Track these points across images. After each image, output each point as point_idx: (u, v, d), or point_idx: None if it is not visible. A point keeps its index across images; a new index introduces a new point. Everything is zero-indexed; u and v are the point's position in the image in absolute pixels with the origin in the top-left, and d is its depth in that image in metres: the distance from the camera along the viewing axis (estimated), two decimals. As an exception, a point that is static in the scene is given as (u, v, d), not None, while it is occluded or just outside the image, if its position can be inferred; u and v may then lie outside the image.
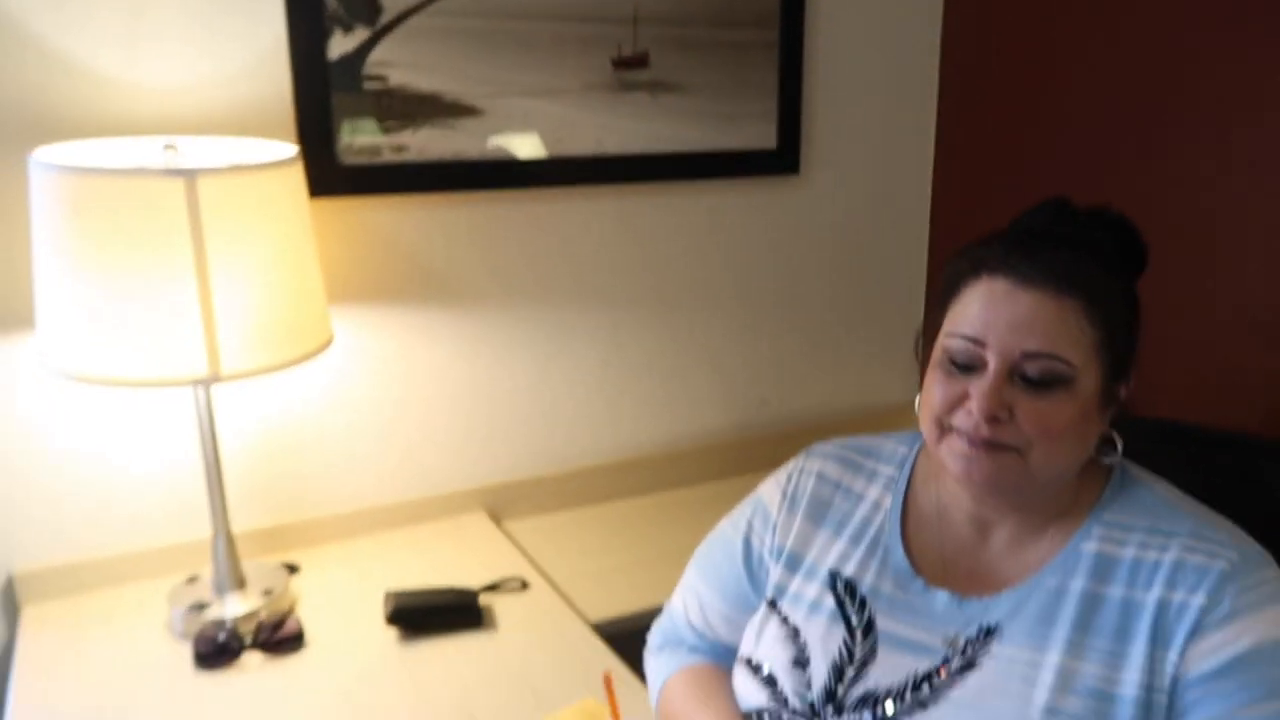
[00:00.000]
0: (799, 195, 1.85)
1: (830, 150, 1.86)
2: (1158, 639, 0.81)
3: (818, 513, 1.02)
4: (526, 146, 1.56)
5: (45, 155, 1.11)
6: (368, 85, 1.42)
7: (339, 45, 1.39)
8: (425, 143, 1.48)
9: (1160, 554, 0.84)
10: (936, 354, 0.91)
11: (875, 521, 0.99)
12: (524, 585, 1.40)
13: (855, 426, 1.19)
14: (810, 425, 1.96)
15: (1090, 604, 0.84)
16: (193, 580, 1.36)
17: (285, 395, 1.49)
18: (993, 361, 0.84)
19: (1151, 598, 0.82)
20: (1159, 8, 1.52)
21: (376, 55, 1.41)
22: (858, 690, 0.90)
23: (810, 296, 1.92)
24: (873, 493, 1.01)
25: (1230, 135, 1.46)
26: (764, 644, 0.98)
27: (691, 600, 1.10)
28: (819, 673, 0.92)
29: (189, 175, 1.04)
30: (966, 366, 0.86)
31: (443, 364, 1.60)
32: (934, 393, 0.89)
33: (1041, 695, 0.82)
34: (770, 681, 0.95)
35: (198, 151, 1.26)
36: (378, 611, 1.33)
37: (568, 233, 1.65)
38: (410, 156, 1.47)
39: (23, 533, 1.36)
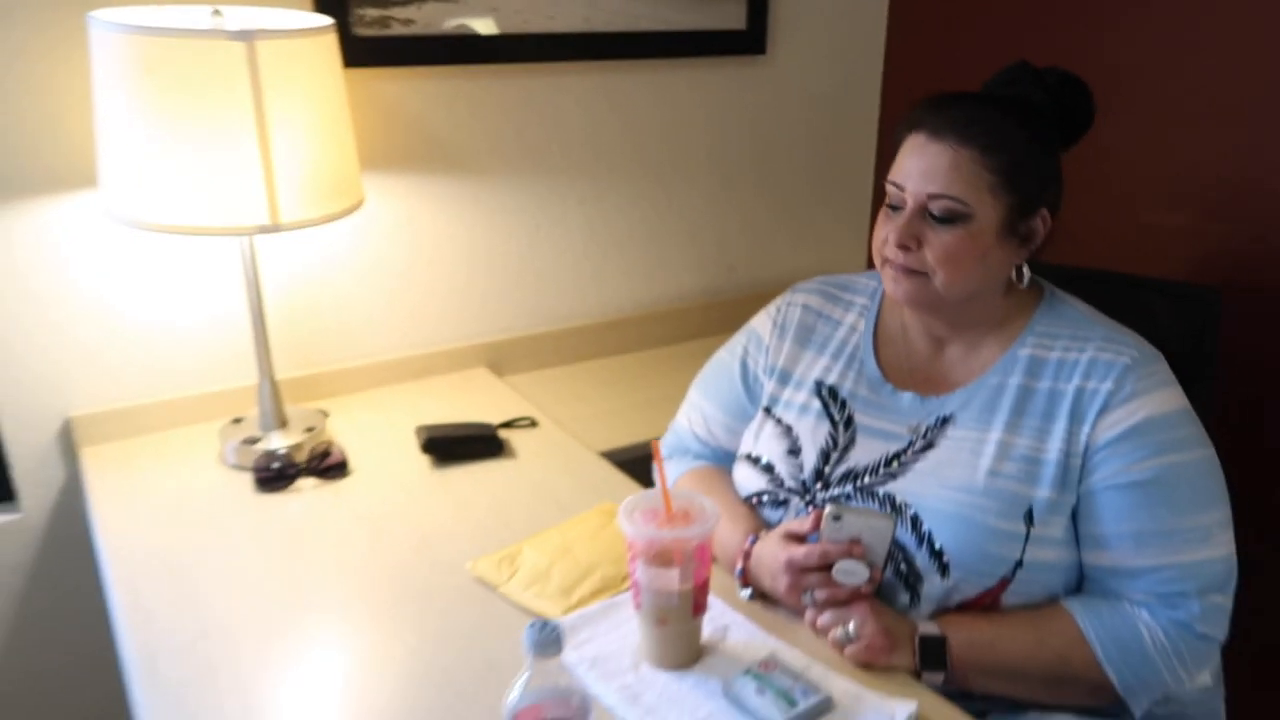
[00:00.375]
0: (765, 73, 2.00)
1: (794, 31, 2.01)
2: (1075, 417, 1.03)
3: (804, 337, 1.22)
4: (521, 22, 1.67)
5: (107, 15, 1.20)
6: (380, -40, 1.52)
7: (352, -80, 1.48)
8: (431, 16, 1.59)
9: (1079, 354, 1.06)
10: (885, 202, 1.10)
11: (851, 341, 1.19)
12: (533, 423, 1.59)
13: None
14: (774, 290, 2.15)
15: (1024, 395, 1.07)
16: (238, 421, 1.51)
17: (305, 258, 1.62)
18: (909, 202, 1.04)
19: (1071, 387, 1.04)
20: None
21: (388, -69, 1.51)
22: (841, 469, 1.12)
23: (775, 169, 2.09)
24: (849, 318, 1.21)
25: (1166, 18, 1.65)
26: (762, 441, 1.19)
27: (695, 415, 1.30)
28: (809, 458, 1.14)
29: (249, 38, 1.15)
30: (896, 208, 1.06)
31: (445, 229, 1.74)
32: (876, 231, 1.09)
33: (985, 463, 1.04)
34: (768, 469, 1.17)
35: (236, 17, 1.35)
36: (409, 446, 1.50)
37: (558, 106, 1.79)
38: (417, 29, 1.58)
39: (78, 379, 1.49)
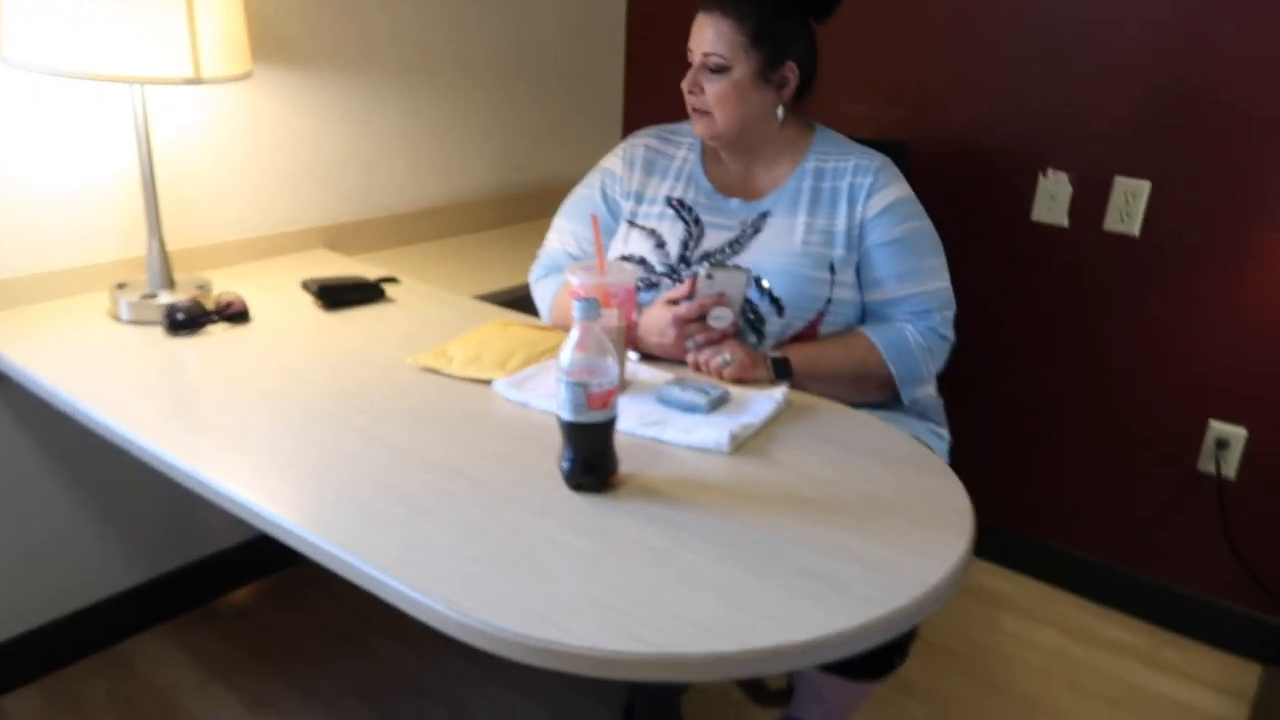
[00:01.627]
0: (542, -5, 2.33)
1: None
2: (850, 201, 1.50)
3: (649, 168, 1.59)
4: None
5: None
6: None
7: None
8: (271, -85, 1.73)
9: (845, 162, 1.52)
10: None
11: (686, 168, 1.58)
12: (396, 280, 1.80)
13: None
14: (550, 189, 2.49)
15: (815, 192, 1.51)
16: (122, 286, 1.59)
17: (160, 135, 1.70)
18: (696, 60, 1.46)
19: (845, 184, 1.50)
20: None
21: None
22: (698, 252, 1.50)
23: (550, 79, 2.43)
24: (680, 152, 1.60)
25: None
26: (631, 243, 1.54)
27: (566, 237, 1.62)
28: (673, 248, 1.51)
29: (177, -96, 1.29)
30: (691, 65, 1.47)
31: (284, 117, 1.89)
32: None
33: (798, 235, 1.48)
34: (641, 261, 1.52)
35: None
36: (295, 300, 1.67)
37: (376, 11, 1.99)
38: (258, -74, 1.72)
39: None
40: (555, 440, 1.14)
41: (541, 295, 1.64)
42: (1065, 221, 2.07)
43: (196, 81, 1.37)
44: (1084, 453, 2.18)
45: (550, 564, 0.94)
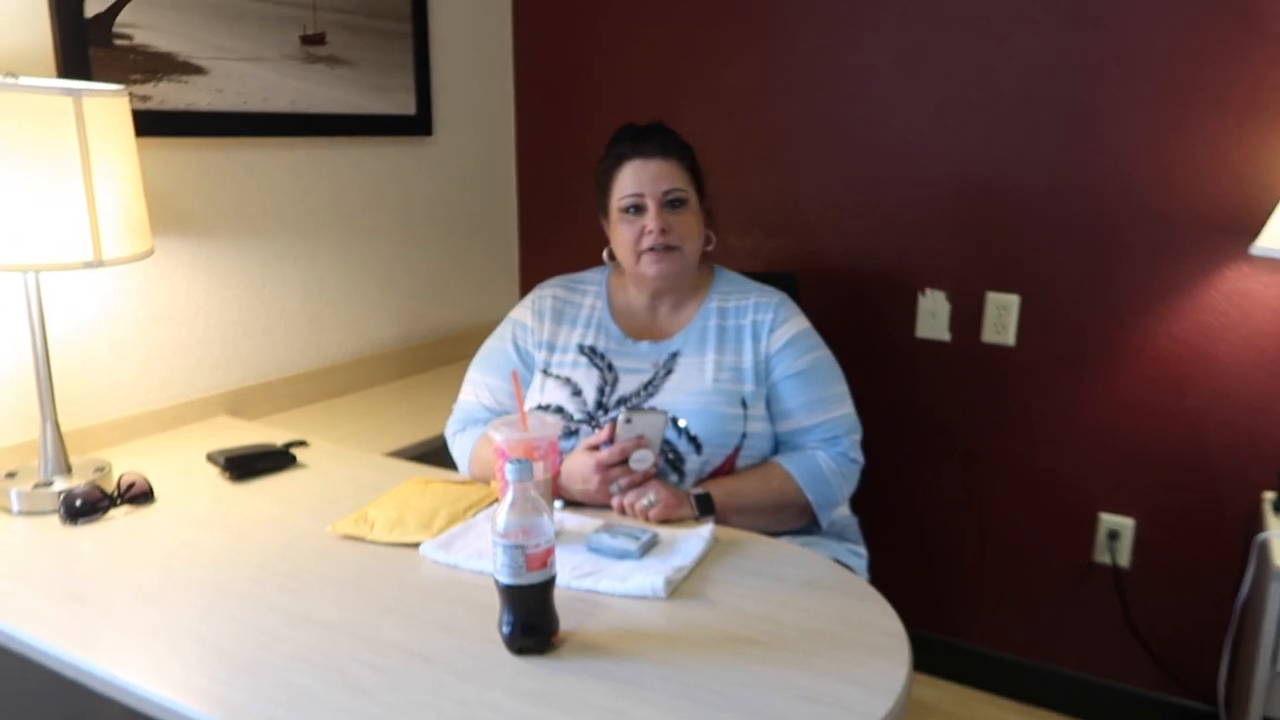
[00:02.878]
0: (435, 150, 2.41)
1: (452, 117, 2.44)
2: (755, 337, 1.57)
3: (558, 317, 1.64)
4: (241, 102, 1.90)
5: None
6: (118, 42, 1.66)
7: (94, 4, 1.62)
8: (165, 94, 1.75)
9: (746, 301, 1.60)
10: (614, 215, 1.58)
11: (595, 315, 1.63)
12: (305, 444, 1.77)
13: (488, 332, 1.73)
14: (458, 333, 2.52)
15: (721, 330, 1.58)
16: (11, 475, 1.51)
17: (57, 316, 1.66)
18: (650, 203, 1.53)
19: (748, 321, 1.58)
20: (667, 24, 2.38)
21: (124, 16, 1.67)
22: (614, 398, 1.54)
23: (447, 229, 2.48)
24: (588, 301, 1.65)
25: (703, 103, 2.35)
26: (547, 393, 1.57)
27: (481, 390, 1.64)
28: (590, 395, 1.55)
29: (77, 94, 1.30)
30: (636, 210, 1.54)
31: (181, 287, 1.87)
32: (625, 234, 1.56)
33: (709, 374, 1.54)
34: (559, 410, 1.54)
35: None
36: (200, 474, 1.62)
37: (272, 176, 2.02)
38: (152, 105, 1.74)
39: None
40: (489, 600, 1.13)
41: (460, 449, 1.63)
42: (947, 336, 2.21)
43: (98, 265, 1.35)
44: (987, 554, 2.26)
45: (502, 737, 0.92)
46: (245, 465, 1.61)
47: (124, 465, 1.61)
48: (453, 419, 1.68)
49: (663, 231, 1.52)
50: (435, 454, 1.87)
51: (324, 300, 2.17)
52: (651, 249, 1.53)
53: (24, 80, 1.41)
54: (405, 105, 2.27)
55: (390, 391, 2.27)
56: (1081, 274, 2.05)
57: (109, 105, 1.37)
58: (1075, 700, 2.21)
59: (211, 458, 1.62)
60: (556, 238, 2.69)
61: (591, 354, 1.59)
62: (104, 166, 1.36)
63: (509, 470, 1.04)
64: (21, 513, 1.45)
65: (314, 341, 2.16)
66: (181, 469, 1.64)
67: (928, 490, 2.31)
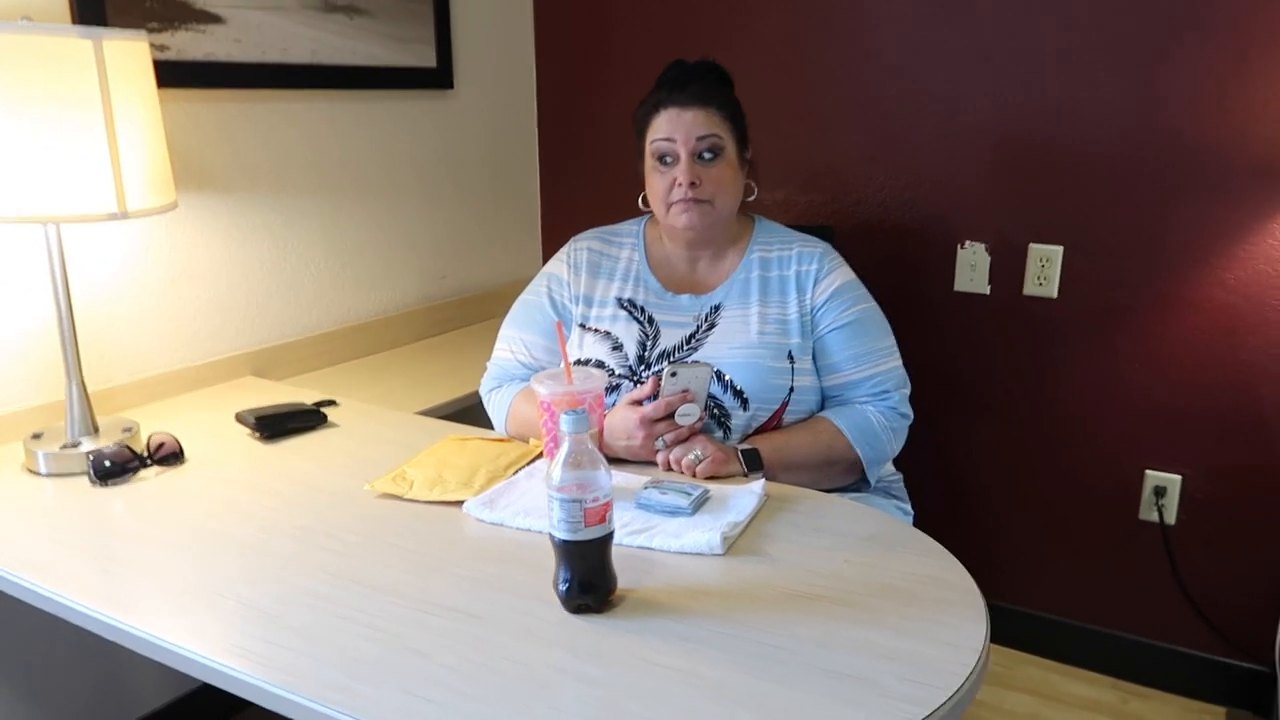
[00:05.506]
0: (455, 104, 2.33)
1: (472, 69, 2.37)
2: (799, 289, 1.51)
3: (594, 270, 1.58)
4: (260, 53, 1.83)
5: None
6: (133, -13, 1.60)
7: (108, -52, 1.56)
8: (183, 44, 1.69)
9: (789, 251, 1.54)
10: (649, 162, 1.51)
11: (632, 268, 1.57)
12: (335, 403, 1.73)
13: (512, 291, 1.73)
14: (479, 293, 2.46)
15: (764, 282, 1.52)
16: (38, 436, 1.46)
17: (80, 273, 1.61)
18: (682, 153, 1.46)
19: (791, 271, 1.52)
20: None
21: (140, -40, 1.60)
22: (655, 352, 1.49)
23: (471, 187, 2.42)
24: (624, 253, 1.59)
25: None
26: (586, 348, 1.52)
27: (516, 346, 1.58)
28: (631, 350, 1.49)
29: (96, 38, 1.24)
30: (668, 161, 1.47)
31: (205, 245, 1.81)
32: (656, 184, 1.49)
33: (754, 327, 1.48)
34: (600, 365, 1.49)
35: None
36: (231, 431, 1.57)
37: (293, 131, 1.95)
38: (170, 55, 1.67)
39: None
40: (538, 559, 1.09)
41: (497, 407, 1.58)
42: (986, 289, 2.15)
43: (122, 216, 1.30)
44: (1031, 513, 2.21)
45: (566, 697, 0.88)
46: (276, 425, 1.56)
47: (151, 426, 1.57)
48: (487, 376, 1.63)
49: (693, 184, 1.46)
50: (463, 414, 1.82)
51: (345, 259, 2.11)
52: (682, 200, 1.47)
53: (40, 25, 1.35)
54: (425, 57, 2.20)
55: (414, 352, 2.22)
56: (1129, 223, 1.98)
57: (129, 50, 1.31)
58: (1122, 661, 2.17)
59: (241, 417, 1.58)
60: (578, 194, 2.62)
61: (631, 307, 1.54)
62: (126, 113, 1.30)
63: (565, 421, 0.99)
64: (50, 474, 1.41)
65: (337, 301, 2.10)
66: (210, 429, 1.60)
67: (968, 447, 2.25)
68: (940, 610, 1.01)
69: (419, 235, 2.30)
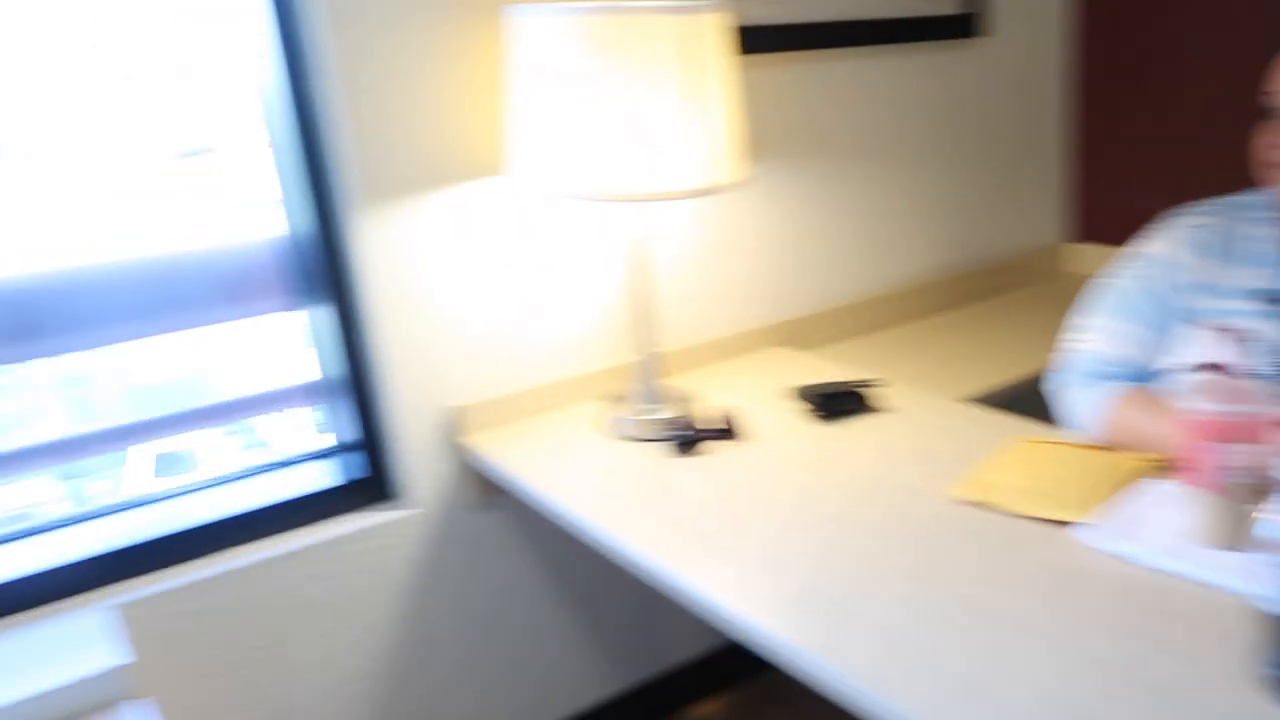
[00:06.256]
0: (982, 54, 2.12)
1: (998, 17, 2.13)
2: None
3: (1218, 253, 1.30)
4: (794, 13, 1.78)
5: (532, 7, 1.29)
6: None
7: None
8: (740, 10, 1.68)
9: None
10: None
11: (1272, 252, 1.27)
12: (883, 383, 1.64)
13: (1030, 264, 1.46)
14: (1000, 264, 2.25)
15: None
16: (618, 399, 1.56)
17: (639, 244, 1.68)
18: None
19: None
20: None
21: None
22: (1313, 361, 1.19)
23: (994, 147, 2.20)
24: (1260, 230, 1.29)
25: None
26: (1202, 348, 1.26)
27: (1104, 338, 1.37)
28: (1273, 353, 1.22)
29: (687, 12, 1.23)
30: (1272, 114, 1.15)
31: (743, 214, 1.82)
32: (1263, 141, 1.18)
33: None
34: (1214, 368, 1.23)
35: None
36: (783, 406, 1.56)
37: (821, 94, 1.87)
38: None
39: (459, 371, 1.56)
40: (1193, 611, 0.91)
41: (1084, 402, 1.38)
42: None
43: (709, 192, 1.30)
44: None
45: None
46: (834, 405, 1.51)
47: (694, 393, 1.62)
48: (1064, 369, 1.43)
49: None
50: (1011, 405, 1.64)
51: (870, 226, 2.02)
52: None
53: (637, 2, 1.38)
54: (943, 4, 2.00)
55: (935, 327, 2.07)
56: None
57: (714, 24, 1.29)
58: None
59: (804, 394, 1.54)
60: (1130, 155, 2.27)
61: (1274, 301, 1.25)
62: (715, 89, 1.28)
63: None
64: (628, 437, 1.48)
65: (861, 271, 2.02)
66: (761, 402, 1.59)
67: None
68: None
69: (941, 199, 2.13)
